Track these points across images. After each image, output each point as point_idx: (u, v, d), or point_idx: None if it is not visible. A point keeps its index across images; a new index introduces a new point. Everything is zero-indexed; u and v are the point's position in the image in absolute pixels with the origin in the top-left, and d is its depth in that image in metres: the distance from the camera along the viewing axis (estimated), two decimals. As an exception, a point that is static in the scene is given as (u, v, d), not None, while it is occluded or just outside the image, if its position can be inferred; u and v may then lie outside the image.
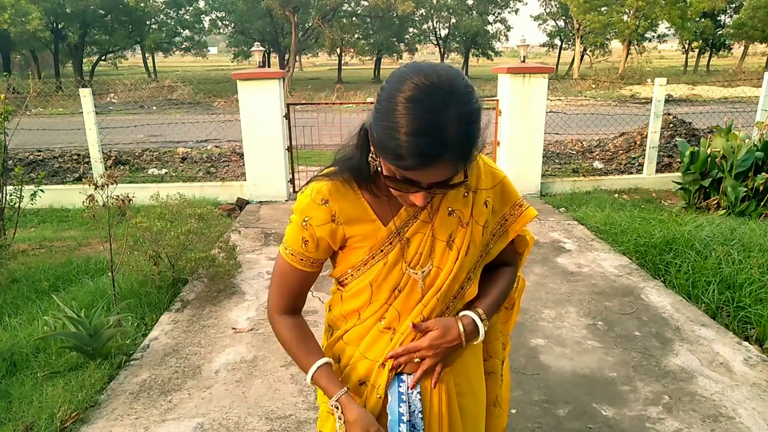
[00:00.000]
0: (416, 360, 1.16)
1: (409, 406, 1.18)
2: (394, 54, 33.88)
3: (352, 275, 1.19)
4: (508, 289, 1.28)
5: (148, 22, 29.11)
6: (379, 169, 1.02)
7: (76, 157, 8.16)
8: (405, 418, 1.16)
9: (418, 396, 1.18)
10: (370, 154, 1.03)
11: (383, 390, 1.18)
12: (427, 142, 0.90)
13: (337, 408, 1.14)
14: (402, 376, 1.19)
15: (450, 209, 1.16)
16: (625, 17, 27.71)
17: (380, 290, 1.16)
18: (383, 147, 0.94)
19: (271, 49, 30.81)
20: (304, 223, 1.15)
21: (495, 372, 1.39)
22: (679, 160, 6.24)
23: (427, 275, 1.16)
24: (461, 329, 1.15)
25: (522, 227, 1.25)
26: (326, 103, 9.72)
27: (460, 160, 0.95)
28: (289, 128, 6.44)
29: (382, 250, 1.15)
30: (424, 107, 0.90)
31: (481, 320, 1.18)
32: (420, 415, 1.18)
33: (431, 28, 35.75)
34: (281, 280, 1.22)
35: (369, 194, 1.14)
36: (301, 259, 1.18)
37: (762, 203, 5.15)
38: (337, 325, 1.26)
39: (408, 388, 1.18)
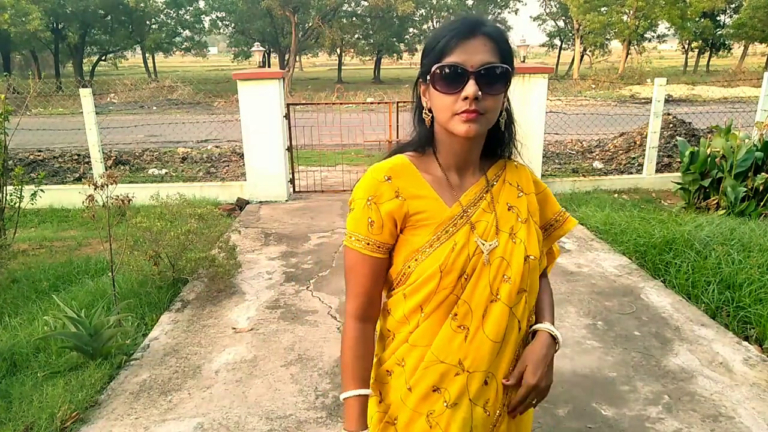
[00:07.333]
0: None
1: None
2: (394, 54, 33.84)
3: (416, 260, 1.11)
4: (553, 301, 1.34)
5: (148, 22, 29.09)
6: (428, 108, 1.11)
7: (76, 157, 8.16)
8: None
9: None
10: (424, 111, 1.13)
11: (452, 399, 1.11)
12: (462, 21, 1.05)
13: None
14: None
15: (509, 204, 1.19)
16: (624, 17, 27.70)
17: (448, 276, 1.09)
18: (427, 55, 1.08)
19: (271, 49, 30.80)
20: (368, 202, 1.11)
21: None
22: (679, 160, 6.24)
23: (493, 250, 1.12)
24: (547, 354, 1.26)
25: (564, 234, 1.32)
26: (326, 103, 9.75)
27: (496, 44, 1.05)
28: (289, 128, 6.45)
29: (447, 231, 1.11)
30: (459, 17, 1.08)
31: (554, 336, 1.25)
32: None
33: (431, 28, 35.72)
34: (351, 275, 1.16)
35: (429, 176, 1.16)
36: (368, 244, 1.12)
37: (762, 203, 5.15)
38: (398, 329, 1.16)
39: None
